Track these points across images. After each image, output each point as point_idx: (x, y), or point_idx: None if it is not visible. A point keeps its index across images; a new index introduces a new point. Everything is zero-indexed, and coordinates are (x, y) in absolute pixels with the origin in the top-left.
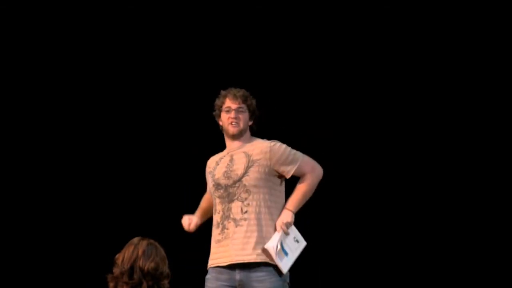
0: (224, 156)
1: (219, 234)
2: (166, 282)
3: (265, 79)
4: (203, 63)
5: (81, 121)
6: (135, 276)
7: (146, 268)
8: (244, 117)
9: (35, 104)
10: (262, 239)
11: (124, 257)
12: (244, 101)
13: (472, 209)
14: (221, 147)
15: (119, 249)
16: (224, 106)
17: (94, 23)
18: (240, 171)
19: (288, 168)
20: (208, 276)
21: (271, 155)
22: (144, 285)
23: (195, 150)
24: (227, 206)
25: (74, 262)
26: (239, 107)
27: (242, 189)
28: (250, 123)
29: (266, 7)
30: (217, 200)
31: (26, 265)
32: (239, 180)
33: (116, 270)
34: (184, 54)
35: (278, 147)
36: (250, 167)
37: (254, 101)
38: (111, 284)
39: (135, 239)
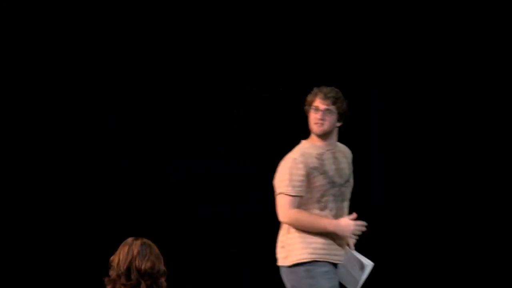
0: (323, 152)
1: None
2: (163, 280)
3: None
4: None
5: (77, 122)
6: (133, 277)
7: (143, 267)
8: (331, 119)
9: (34, 104)
10: None
11: (119, 259)
12: (334, 102)
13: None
14: (217, 148)
15: (112, 251)
16: (313, 104)
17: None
18: (346, 171)
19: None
20: (326, 269)
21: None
22: (143, 285)
23: (186, 149)
24: (340, 205)
25: (69, 267)
26: (327, 109)
27: (349, 189)
28: (338, 124)
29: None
30: (331, 198)
31: (20, 271)
32: (348, 180)
33: (113, 273)
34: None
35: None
36: (350, 168)
37: (344, 103)
38: (108, 287)
39: (129, 240)
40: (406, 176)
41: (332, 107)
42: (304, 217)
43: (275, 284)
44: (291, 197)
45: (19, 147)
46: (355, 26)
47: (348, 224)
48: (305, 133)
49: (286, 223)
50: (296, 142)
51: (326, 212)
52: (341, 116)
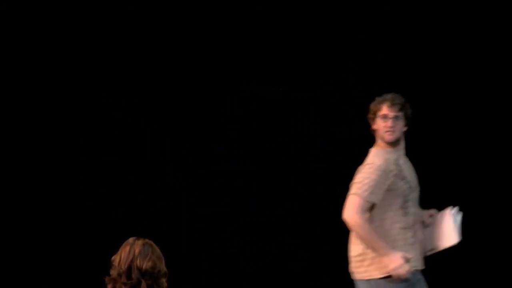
0: (398, 157)
1: (412, 237)
2: (164, 280)
3: None
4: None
5: (77, 122)
6: (133, 276)
7: (144, 267)
8: (400, 125)
9: (34, 104)
10: None
11: (120, 258)
12: (401, 109)
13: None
14: (217, 148)
15: (112, 251)
16: (380, 113)
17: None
18: (415, 176)
19: None
20: (420, 277)
21: None
22: (143, 284)
23: (186, 149)
24: (416, 210)
25: (70, 267)
26: (396, 115)
27: (418, 193)
28: (405, 129)
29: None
30: (410, 203)
31: (20, 271)
32: (418, 185)
33: (114, 272)
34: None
35: None
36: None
37: (409, 108)
38: (109, 286)
39: (130, 240)
40: None
41: (400, 114)
42: (367, 227)
43: (275, 284)
44: (363, 201)
45: (19, 147)
46: (355, 26)
47: (397, 260)
48: (305, 133)
49: (348, 223)
50: (296, 142)
51: (408, 217)
52: (408, 121)
